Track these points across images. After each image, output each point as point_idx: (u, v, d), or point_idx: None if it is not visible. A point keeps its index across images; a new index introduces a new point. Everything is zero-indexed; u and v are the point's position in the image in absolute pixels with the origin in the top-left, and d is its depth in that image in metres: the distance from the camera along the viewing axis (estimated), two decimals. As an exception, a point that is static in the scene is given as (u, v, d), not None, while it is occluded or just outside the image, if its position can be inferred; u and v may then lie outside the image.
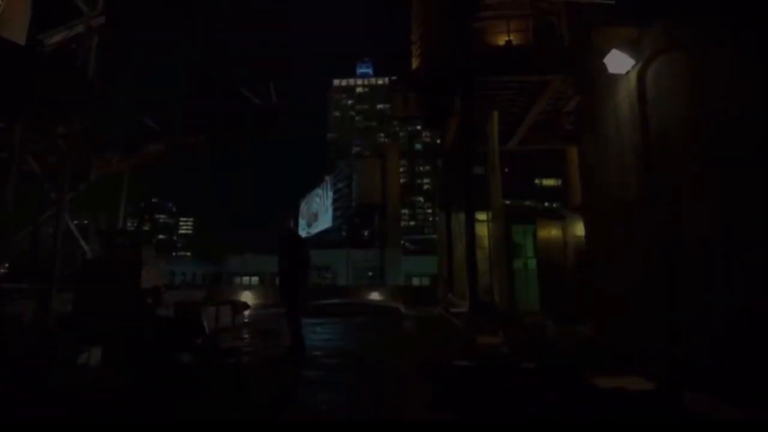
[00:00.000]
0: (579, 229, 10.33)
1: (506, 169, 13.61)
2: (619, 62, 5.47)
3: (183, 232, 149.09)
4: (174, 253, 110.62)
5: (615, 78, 5.72)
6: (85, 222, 13.65)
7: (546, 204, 46.01)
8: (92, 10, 10.01)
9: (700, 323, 4.27)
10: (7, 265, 13.77)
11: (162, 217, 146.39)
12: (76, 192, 9.89)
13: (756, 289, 3.72)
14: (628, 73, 5.46)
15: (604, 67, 5.66)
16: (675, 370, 4.27)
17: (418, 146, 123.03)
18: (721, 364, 3.89)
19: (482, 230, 12.51)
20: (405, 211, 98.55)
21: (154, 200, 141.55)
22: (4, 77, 8.18)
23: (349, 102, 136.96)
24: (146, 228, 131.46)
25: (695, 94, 4.49)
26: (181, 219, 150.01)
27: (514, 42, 10.38)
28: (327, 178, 55.88)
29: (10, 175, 8.66)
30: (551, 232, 11.18)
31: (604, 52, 5.58)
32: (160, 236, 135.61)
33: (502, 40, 10.50)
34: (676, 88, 4.73)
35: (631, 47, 5.33)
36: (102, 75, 9.89)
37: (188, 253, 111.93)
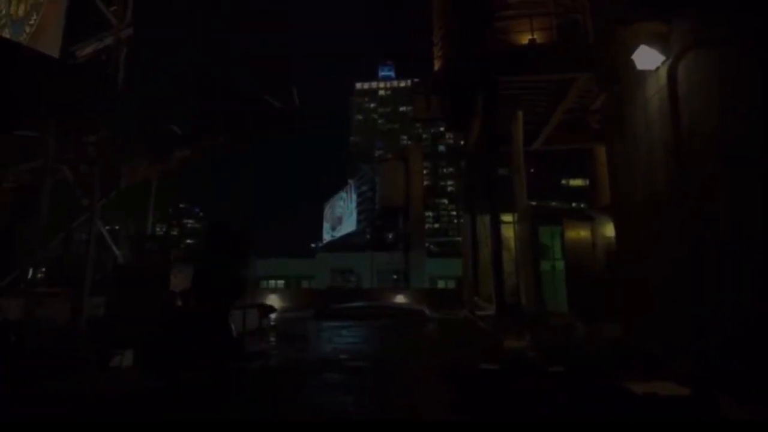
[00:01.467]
0: (608, 230, 10.10)
1: (531, 170, 13.36)
2: (648, 58, 5.30)
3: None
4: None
5: (643, 74, 5.56)
6: (116, 227, 14.03)
7: (573, 204, 45.17)
8: (121, 23, 10.34)
9: (713, 322, 4.23)
10: (44, 269, 14.22)
11: (189, 222, 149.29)
12: (107, 199, 10.19)
13: (757, 288, 3.69)
14: (657, 69, 5.31)
15: (631, 64, 5.50)
16: (696, 368, 4.19)
17: (441, 148, 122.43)
18: (729, 362, 3.85)
19: (508, 232, 12.35)
20: (429, 213, 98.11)
21: (181, 205, 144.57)
22: (38, 88, 8.47)
23: (372, 105, 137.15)
24: (174, 233, 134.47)
25: (711, 92, 4.43)
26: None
27: (538, 40, 10.22)
28: (350, 181, 55.91)
29: (45, 183, 8.97)
30: (579, 233, 10.95)
31: (631, 49, 5.43)
32: (188, 241, 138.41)
33: (525, 39, 10.35)
34: (704, 84, 4.61)
35: (661, 43, 5.17)
36: (129, 84, 10.19)
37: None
